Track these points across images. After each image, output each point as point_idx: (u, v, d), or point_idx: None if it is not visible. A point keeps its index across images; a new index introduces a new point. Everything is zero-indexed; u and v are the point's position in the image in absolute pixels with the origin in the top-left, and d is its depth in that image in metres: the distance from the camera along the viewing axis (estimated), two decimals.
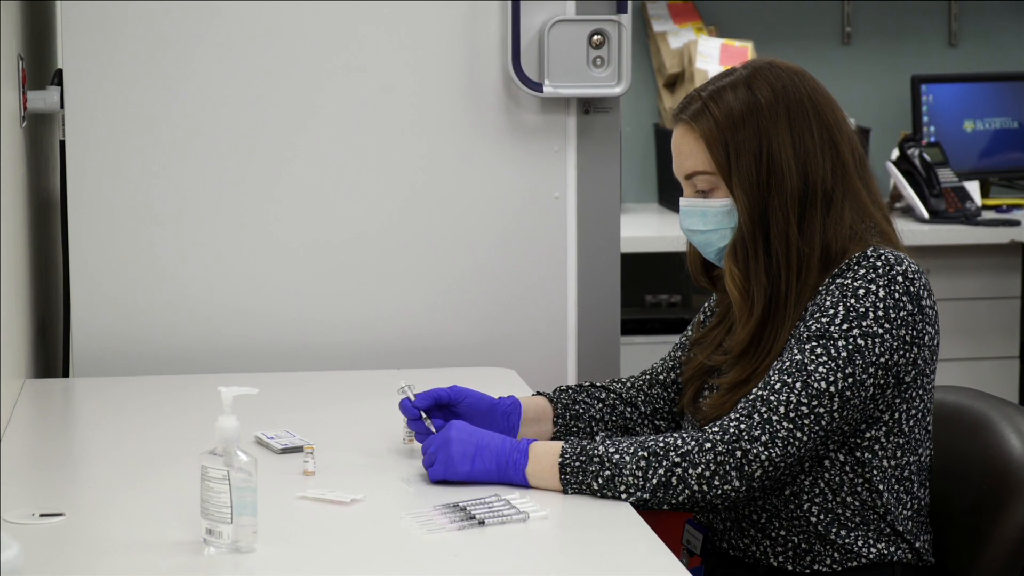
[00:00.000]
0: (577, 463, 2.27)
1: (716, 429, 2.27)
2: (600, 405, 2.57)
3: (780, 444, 2.25)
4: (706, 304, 2.59)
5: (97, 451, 2.62)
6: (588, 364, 3.25)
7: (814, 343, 2.28)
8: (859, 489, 2.33)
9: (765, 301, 2.36)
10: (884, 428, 2.33)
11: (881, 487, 2.33)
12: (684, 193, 2.42)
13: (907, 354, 2.30)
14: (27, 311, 2.99)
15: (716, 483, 2.24)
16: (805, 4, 5.32)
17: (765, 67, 2.40)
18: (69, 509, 2.19)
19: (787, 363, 2.29)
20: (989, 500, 2.37)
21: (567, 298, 3.24)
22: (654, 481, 2.25)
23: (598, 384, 2.60)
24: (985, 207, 4.97)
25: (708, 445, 2.25)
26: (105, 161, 3.09)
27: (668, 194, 5.09)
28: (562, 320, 3.24)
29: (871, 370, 2.27)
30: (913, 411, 2.34)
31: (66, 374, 3.30)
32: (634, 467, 2.25)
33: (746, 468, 2.25)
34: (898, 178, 4.88)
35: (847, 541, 2.33)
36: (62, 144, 3.09)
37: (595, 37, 3.15)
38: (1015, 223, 4.77)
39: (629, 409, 2.58)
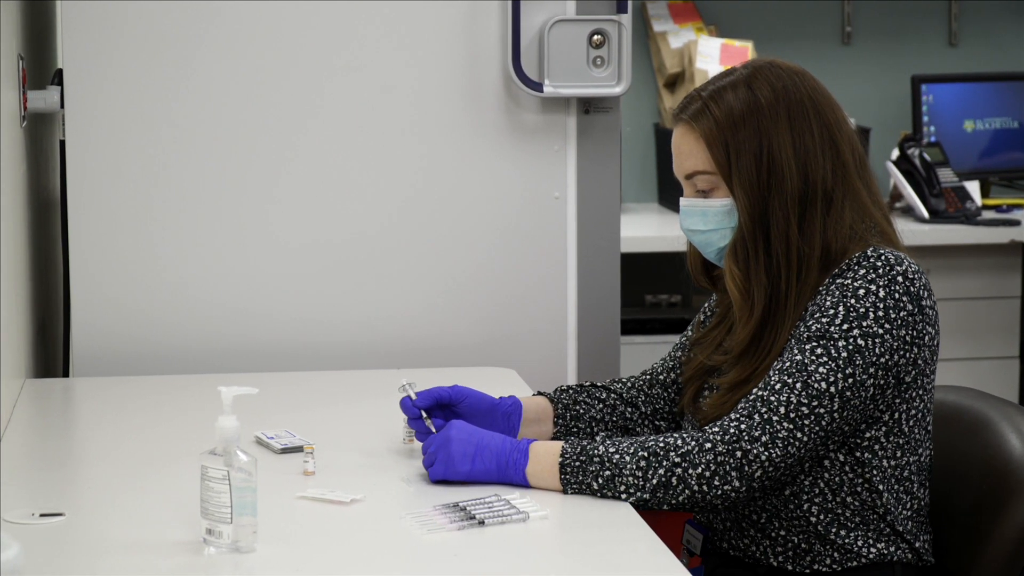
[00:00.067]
0: (577, 463, 2.27)
1: (716, 429, 2.27)
2: (601, 405, 2.57)
3: (780, 444, 2.25)
4: (706, 304, 2.59)
5: (97, 451, 2.62)
6: (588, 364, 3.25)
7: (814, 343, 2.28)
8: (859, 489, 2.33)
9: (765, 301, 2.36)
10: (884, 428, 2.33)
11: (881, 487, 2.33)
12: (684, 193, 2.42)
13: (907, 354, 2.30)
14: (27, 311, 2.99)
15: (716, 483, 2.24)
16: (805, 4, 5.32)
17: (765, 67, 2.40)
18: (69, 509, 2.19)
19: (787, 363, 2.29)
20: (989, 500, 2.37)
21: (567, 298, 3.24)
22: (654, 481, 2.24)
23: (598, 384, 2.60)
24: (985, 207, 4.97)
25: (708, 445, 2.25)
26: (105, 161, 3.09)
27: (668, 194, 5.09)
28: (562, 320, 3.24)
29: (871, 370, 2.27)
30: (913, 411, 2.34)
31: (66, 374, 3.30)
32: (634, 467, 2.25)
33: (746, 468, 2.25)
34: (898, 178, 4.88)
35: (847, 541, 2.33)
36: (62, 144, 3.09)
37: (595, 37, 3.15)
38: (1015, 223, 4.77)
39: (630, 409, 2.58)
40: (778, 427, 2.25)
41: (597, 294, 3.25)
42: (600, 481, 2.26)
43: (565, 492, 2.27)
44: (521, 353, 3.21)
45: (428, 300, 3.19)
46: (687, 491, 2.25)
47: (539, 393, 2.59)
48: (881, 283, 2.29)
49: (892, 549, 2.34)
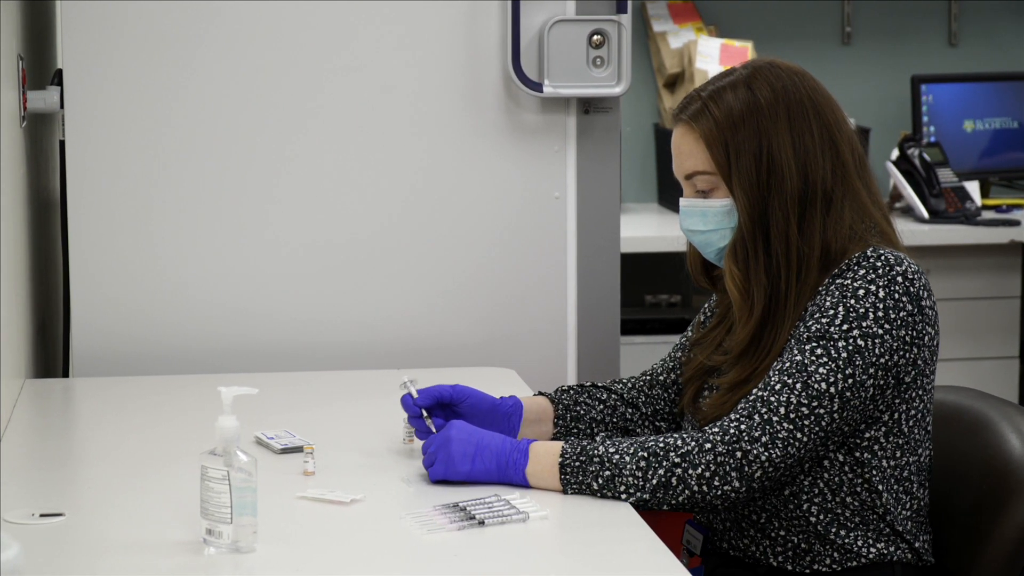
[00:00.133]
0: (577, 463, 2.27)
1: (716, 430, 2.27)
2: (601, 406, 2.57)
3: (780, 445, 2.25)
4: (706, 305, 2.59)
5: (97, 451, 2.62)
6: (588, 364, 3.25)
7: (814, 344, 2.28)
8: (858, 489, 2.33)
9: (765, 301, 2.36)
10: (884, 428, 2.33)
11: (880, 487, 2.33)
12: (684, 193, 2.42)
13: (907, 354, 2.30)
14: (27, 311, 2.99)
15: (716, 483, 2.24)
16: (805, 4, 5.32)
17: (765, 67, 2.40)
18: (69, 509, 2.19)
19: (787, 364, 2.29)
20: (989, 500, 2.37)
21: (567, 298, 3.24)
22: (654, 481, 2.24)
23: (599, 384, 2.60)
24: (985, 207, 4.97)
25: (708, 446, 2.25)
26: (105, 161, 3.09)
27: (668, 194, 5.09)
28: (562, 320, 3.24)
29: (871, 371, 2.27)
30: (913, 411, 2.34)
31: (66, 374, 3.30)
32: (634, 467, 2.25)
33: (746, 469, 2.25)
34: (898, 178, 4.88)
35: (847, 541, 2.33)
36: (62, 144, 3.09)
37: (595, 37, 3.15)
38: (1015, 223, 4.77)
39: (630, 410, 2.58)
40: (778, 427, 2.25)
41: (597, 294, 3.25)
42: (600, 481, 2.26)
43: (565, 492, 2.27)
44: (521, 353, 3.21)
45: (428, 300, 3.19)
46: (687, 491, 2.25)
47: (540, 393, 2.59)
48: (881, 283, 2.29)
49: (892, 549, 2.34)
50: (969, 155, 5.15)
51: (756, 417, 2.26)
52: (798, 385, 2.26)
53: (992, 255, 4.75)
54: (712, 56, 4.91)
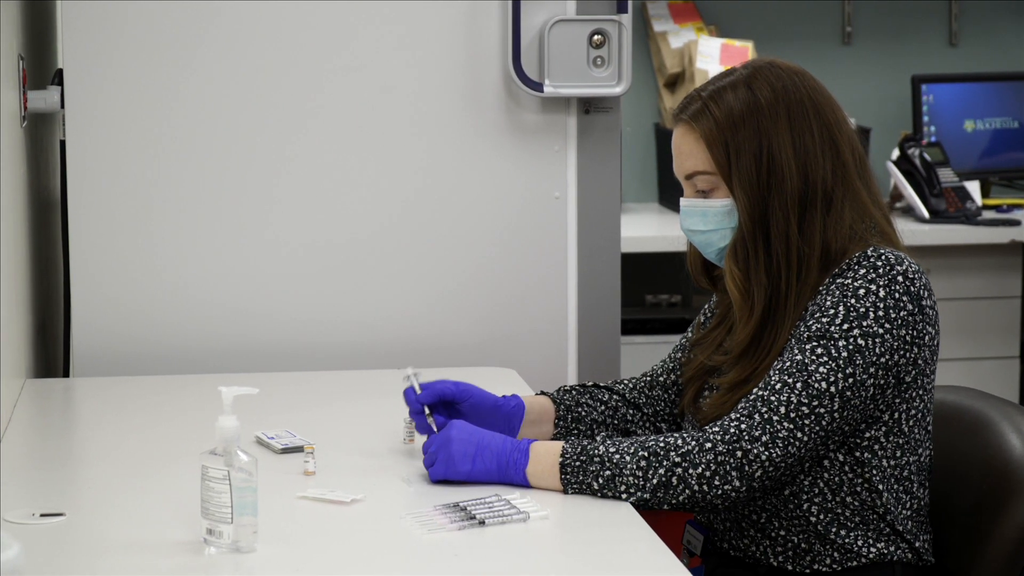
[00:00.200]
0: (578, 463, 2.27)
1: (716, 429, 2.27)
2: (603, 407, 2.57)
3: (780, 444, 2.25)
4: (706, 306, 2.59)
5: (97, 451, 2.62)
6: (588, 364, 3.25)
7: (815, 343, 2.28)
8: (859, 489, 2.33)
9: (765, 301, 2.36)
10: (884, 428, 2.32)
11: (881, 487, 2.33)
12: (684, 193, 2.42)
13: (907, 354, 2.30)
14: (27, 311, 2.99)
15: (716, 483, 2.24)
16: (805, 4, 5.32)
17: (765, 67, 2.40)
18: (69, 509, 2.19)
19: (787, 363, 2.29)
20: (989, 500, 2.37)
21: (567, 298, 3.24)
22: (654, 481, 2.24)
23: (601, 384, 2.60)
24: (985, 207, 4.97)
25: (708, 445, 2.25)
26: (105, 161, 3.09)
27: (668, 194, 5.09)
28: (562, 320, 3.24)
29: (871, 370, 2.27)
30: (913, 411, 2.34)
31: (66, 374, 3.30)
32: (634, 467, 2.25)
33: (746, 468, 2.25)
34: (898, 178, 4.88)
35: (847, 541, 2.33)
36: (62, 144, 3.09)
37: (595, 37, 3.15)
38: (1015, 223, 4.76)
39: (631, 411, 2.58)
40: (778, 427, 2.25)
41: (597, 294, 3.25)
42: (600, 481, 2.26)
43: (565, 492, 2.27)
44: (521, 353, 3.21)
45: (428, 300, 3.19)
46: (687, 491, 2.25)
47: (542, 393, 2.59)
48: (881, 283, 2.29)
49: (892, 549, 2.34)
50: (969, 155, 5.15)
51: (756, 416, 2.26)
52: (798, 384, 2.26)
53: (992, 255, 4.75)
54: (712, 56, 4.91)
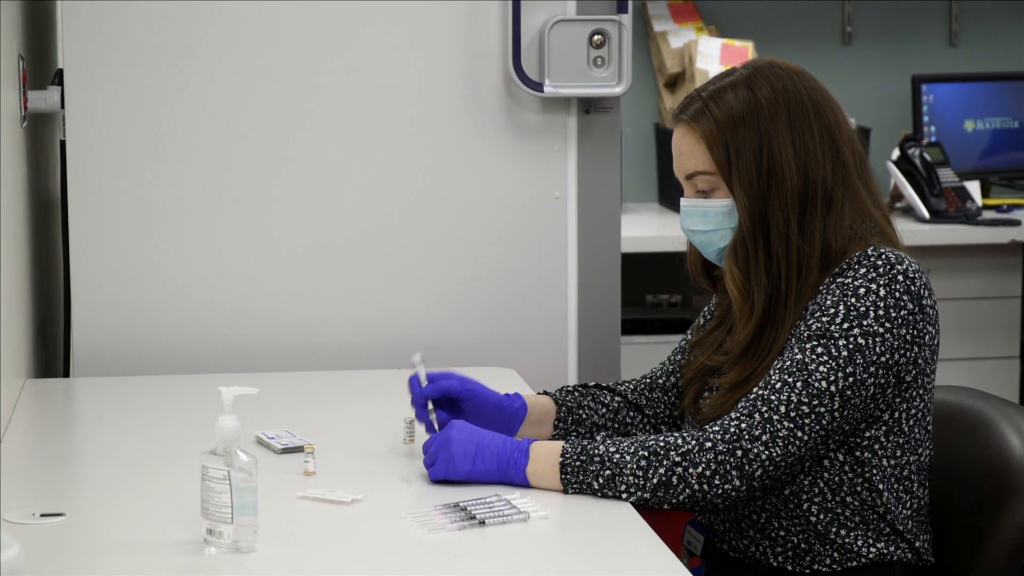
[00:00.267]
0: (578, 463, 2.27)
1: (716, 428, 2.27)
2: (604, 410, 2.57)
3: (781, 443, 2.25)
4: (705, 309, 2.59)
5: (97, 451, 2.62)
6: (588, 364, 3.25)
7: (815, 342, 2.28)
8: (859, 489, 2.33)
9: (765, 301, 2.36)
10: (884, 427, 2.32)
11: (881, 487, 2.33)
12: (685, 193, 2.42)
13: (908, 353, 2.30)
14: (27, 311, 2.99)
15: (716, 482, 2.24)
16: (805, 4, 5.32)
17: (765, 67, 2.40)
18: (69, 509, 2.19)
19: (788, 362, 2.29)
20: (989, 500, 2.37)
21: (567, 298, 3.24)
22: (655, 480, 2.24)
23: (603, 385, 2.60)
24: (985, 207, 4.97)
25: (709, 444, 2.25)
26: (105, 161, 3.09)
27: (668, 194, 5.09)
28: (562, 320, 3.24)
29: (872, 369, 2.27)
30: (913, 411, 2.34)
31: (66, 374, 3.30)
32: (635, 466, 2.25)
33: (747, 467, 2.25)
34: (898, 178, 4.88)
35: (847, 541, 2.33)
36: (62, 144, 3.09)
37: (595, 37, 3.15)
38: (1015, 223, 4.76)
39: (632, 413, 2.58)
40: (778, 426, 2.25)
41: (597, 294, 3.25)
42: (601, 481, 2.26)
43: (566, 492, 2.27)
44: (521, 353, 3.21)
45: (428, 300, 3.19)
46: (687, 490, 2.25)
47: (544, 392, 2.59)
48: (882, 282, 2.29)
49: (892, 549, 2.34)
50: (969, 155, 5.15)
51: (756, 416, 2.26)
52: (799, 384, 2.26)
53: (992, 255, 4.75)
54: (712, 56, 4.91)
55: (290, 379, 3.03)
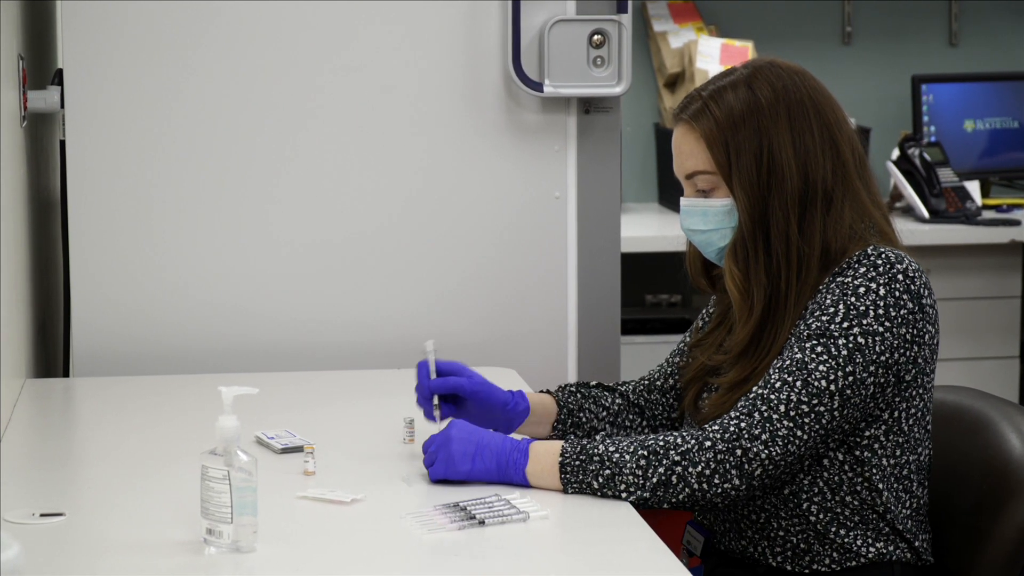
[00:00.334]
0: (577, 462, 2.27)
1: (716, 427, 2.27)
2: (604, 412, 2.57)
3: (780, 442, 2.25)
4: (704, 311, 2.59)
5: (97, 451, 2.62)
6: (588, 364, 3.25)
7: (814, 341, 2.28)
8: (858, 488, 2.33)
9: (765, 300, 2.36)
10: (884, 427, 2.32)
11: (880, 486, 2.33)
12: (685, 193, 2.42)
13: (907, 352, 2.30)
14: (27, 311, 2.99)
15: (716, 481, 2.24)
16: (805, 4, 5.32)
17: (765, 67, 2.40)
18: (69, 509, 2.19)
19: (787, 362, 2.29)
20: (989, 500, 2.37)
21: (567, 298, 3.24)
22: (654, 480, 2.24)
23: (605, 385, 2.60)
24: (985, 207, 4.97)
25: (708, 443, 2.25)
26: (105, 161, 3.09)
27: (668, 194, 5.09)
28: (562, 320, 3.24)
29: (871, 368, 2.27)
30: (913, 410, 2.34)
31: (66, 374, 3.30)
32: (634, 466, 2.25)
33: (746, 466, 2.25)
34: (898, 178, 4.87)
35: (846, 540, 2.33)
36: (62, 144, 3.09)
37: (595, 37, 3.15)
38: (1015, 223, 4.76)
39: (633, 415, 2.58)
40: (778, 425, 2.25)
41: (597, 294, 3.25)
42: (600, 480, 2.26)
43: (565, 491, 2.27)
44: (521, 353, 3.21)
45: (428, 300, 3.19)
46: (687, 489, 2.25)
47: (547, 392, 2.59)
48: (881, 281, 2.29)
49: (891, 548, 2.34)
50: (969, 155, 5.14)
51: (756, 415, 2.26)
52: (798, 383, 2.26)
53: (992, 255, 4.75)
54: (712, 56, 4.91)
55: (290, 379, 3.03)
